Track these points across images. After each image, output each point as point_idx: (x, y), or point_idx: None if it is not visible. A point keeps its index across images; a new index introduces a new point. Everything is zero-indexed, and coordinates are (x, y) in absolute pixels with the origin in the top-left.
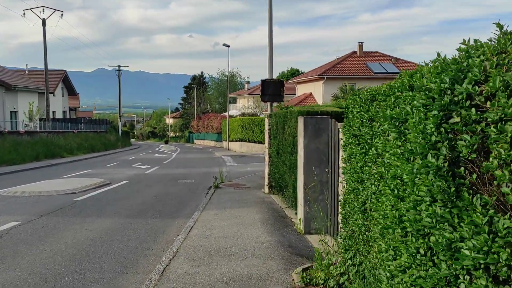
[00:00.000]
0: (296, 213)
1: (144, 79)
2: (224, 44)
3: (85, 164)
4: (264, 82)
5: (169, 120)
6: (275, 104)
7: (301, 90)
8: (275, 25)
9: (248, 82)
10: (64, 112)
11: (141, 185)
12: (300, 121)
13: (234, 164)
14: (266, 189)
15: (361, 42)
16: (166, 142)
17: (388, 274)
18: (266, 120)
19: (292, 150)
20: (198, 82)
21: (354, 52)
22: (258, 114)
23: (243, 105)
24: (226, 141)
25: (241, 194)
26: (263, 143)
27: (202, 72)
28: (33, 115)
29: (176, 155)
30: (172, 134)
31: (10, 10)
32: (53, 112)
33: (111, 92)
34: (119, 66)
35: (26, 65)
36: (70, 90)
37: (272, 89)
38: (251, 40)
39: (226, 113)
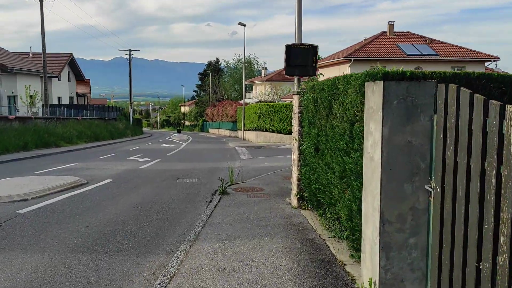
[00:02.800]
0: (352, 256)
1: (161, 67)
2: (240, 23)
3: (77, 155)
4: (290, 48)
5: (184, 109)
6: (303, 79)
7: (324, 74)
8: (289, 15)
9: (266, 68)
10: (71, 98)
11: (126, 186)
12: (375, 89)
13: (249, 157)
14: (294, 201)
15: (391, 22)
16: (179, 131)
17: None
18: (295, 98)
19: (348, 146)
20: (213, 69)
21: (384, 32)
22: (276, 102)
23: (260, 91)
24: (241, 130)
25: (258, 208)
26: (283, 133)
27: (217, 58)
28: (33, 99)
29: (185, 146)
30: (187, 122)
31: None
32: (59, 98)
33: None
34: (130, 50)
35: (30, 47)
36: (78, 75)
37: (300, 58)
38: (268, 29)
39: (242, 101)
